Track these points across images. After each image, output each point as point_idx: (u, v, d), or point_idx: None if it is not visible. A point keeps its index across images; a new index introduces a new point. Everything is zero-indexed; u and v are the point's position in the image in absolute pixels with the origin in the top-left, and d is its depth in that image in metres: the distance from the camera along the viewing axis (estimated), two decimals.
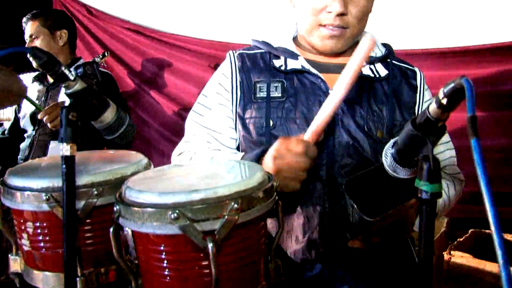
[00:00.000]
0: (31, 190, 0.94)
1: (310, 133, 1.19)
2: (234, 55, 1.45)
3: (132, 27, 3.58)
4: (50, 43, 2.40)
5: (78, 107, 0.82)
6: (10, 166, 2.62)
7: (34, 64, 0.81)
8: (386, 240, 1.16)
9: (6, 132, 2.59)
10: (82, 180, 0.92)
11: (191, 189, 0.77)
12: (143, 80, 3.55)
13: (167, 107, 3.44)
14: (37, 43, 2.38)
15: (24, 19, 2.44)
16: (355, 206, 1.00)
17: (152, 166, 1.08)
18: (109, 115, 0.87)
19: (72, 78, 0.82)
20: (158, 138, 3.45)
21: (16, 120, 2.53)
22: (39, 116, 2.09)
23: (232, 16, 3.26)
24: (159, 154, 3.46)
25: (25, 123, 2.44)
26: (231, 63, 1.44)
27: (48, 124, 2.07)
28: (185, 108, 3.35)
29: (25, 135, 2.45)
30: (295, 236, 1.31)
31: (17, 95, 1.83)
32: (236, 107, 1.39)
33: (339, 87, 1.17)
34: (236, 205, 0.76)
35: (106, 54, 3.28)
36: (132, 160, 1.03)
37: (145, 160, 1.05)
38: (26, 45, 2.40)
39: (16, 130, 2.50)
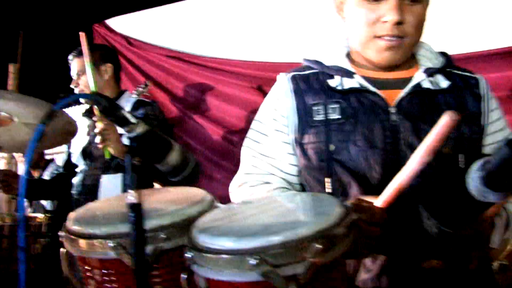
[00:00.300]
0: (96, 237, 0.91)
1: (383, 200, 1.05)
2: (286, 78, 1.40)
3: (172, 54, 3.61)
4: (96, 78, 2.40)
5: (142, 151, 0.78)
6: (66, 202, 2.66)
7: (98, 108, 0.77)
8: (462, 253, 1.07)
9: (61, 168, 2.61)
10: (148, 224, 0.88)
11: (269, 231, 0.72)
12: (186, 105, 3.55)
13: (212, 130, 3.42)
14: (83, 79, 2.39)
15: (70, 57, 2.47)
16: (433, 220, 0.92)
17: (215, 201, 1.03)
18: (173, 156, 0.83)
19: (134, 121, 0.78)
20: (205, 163, 3.43)
21: (69, 155, 2.55)
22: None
23: (270, 36, 3.24)
24: (207, 179, 3.43)
25: (77, 158, 2.45)
26: (284, 87, 1.38)
27: (98, 139, 2.08)
28: (231, 131, 3.33)
29: (77, 170, 2.47)
30: (364, 264, 1.23)
31: (72, 135, 1.88)
32: (293, 133, 1.33)
33: (416, 157, 1.00)
34: (319, 246, 0.70)
35: (147, 84, 3.30)
36: (196, 198, 0.98)
37: (208, 197, 1.00)
38: (73, 82, 2.44)
39: (69, 165, 2.52)
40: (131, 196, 0.77)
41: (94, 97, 0.77)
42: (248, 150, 1.40)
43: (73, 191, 2.42)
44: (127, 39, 3.80)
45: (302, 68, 1.42)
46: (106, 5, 4.07)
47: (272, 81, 3.39)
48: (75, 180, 2.44)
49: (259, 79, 3.24)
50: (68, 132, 1.75)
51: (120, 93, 2.52)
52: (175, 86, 3.61)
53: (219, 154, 3.38)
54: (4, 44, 4.22)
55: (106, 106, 0.77)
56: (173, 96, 3.60)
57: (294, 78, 1.38)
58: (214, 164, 3.39)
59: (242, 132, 3.28)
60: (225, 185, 3.70)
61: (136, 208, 0.77)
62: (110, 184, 2.24)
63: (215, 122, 3.42)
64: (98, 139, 2.12)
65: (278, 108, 1.36)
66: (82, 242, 0.93)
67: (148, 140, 0.80)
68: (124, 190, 2.20)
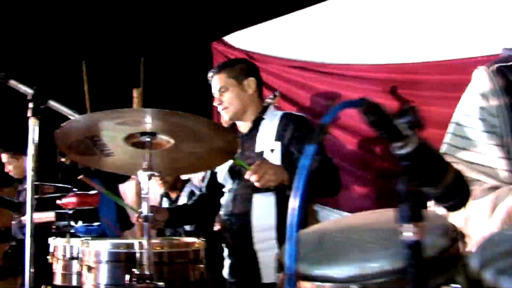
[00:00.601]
0: (332, 281, 0.77)
1: None
2: (489, 72, 1.21)
3: (295, 64, 3.52)
4: (240, 93, 2.30)
5: (417, 171, 0.63)
6: (212, 223, 2.59)
7: (367, 120, 0.63)
8: None
9: (204, 188, 2.56)
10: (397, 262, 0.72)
11: None
12: (314, 115, 3.40)
13: (345, 139, 3.25)
14: (227, 95, 2.30)
15: (210, 74, 2.39)
16: None
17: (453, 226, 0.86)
18: (450, 177, 0.66)
19: (408, 133, 0.63)
20: (340, 173, 3.27)
21: (213, 174, 2.49)
22: (246, 177, 1.98)
23: (398, 36, 3.03)
24: (343, 189, 3.26)
25: (223, 177, 2.39)
26: (488, 82, 1.19)
27: (256, 184, 1.96)
28: (366, 139, 3.13)
29: (224, 189, 2.40)
30: None
31: (233, 154, 1.80)
32: (508, 134, 1.14)
33: None
34: None
35: (276, 94, 3.23)
36: (435, 223, 0.81)
37: (447, 221, 0.84)
38: (217, 100, 2.35)
39: (214, 185, 2.46)
40: (408, 231, 0.62)
41: (366, 106, 0.63)
42: (448, 158, 1.22)
43: (222, 212, 2.36)
44: (247, 53, 3.77)
45: (504, 58, 1.23)
46: (223, 22, 4.09)
47: (407, 83, 3.17)
48: (224, 200, 2.38)
49: (392, 82, 3.04)
50: (230, 151, 1.67)
51: (265, 108, 2.41)
52: (300, 96, 3.52)
53: (354, 162, 3.21)
54: (128, 71, 4.42)
55: (377, 119, 0.63)
56: (300, 107, 3.50)
57: (500, 71, 1.20)
58: (349, 174, 3.21)
59: (379, 140, 3.10)
60: (362, 197, 3.47)
61: (415, 247, 0.61)
62: (263, 203, 2.14)
63: (347, 131, 3.24)
64: (258, 185, 1.99)
65: (486, 107, 1.18)
66: (309, 286, 0.80)
67: (424, 157, 0.64)
68: (280, 210, 2.10)
